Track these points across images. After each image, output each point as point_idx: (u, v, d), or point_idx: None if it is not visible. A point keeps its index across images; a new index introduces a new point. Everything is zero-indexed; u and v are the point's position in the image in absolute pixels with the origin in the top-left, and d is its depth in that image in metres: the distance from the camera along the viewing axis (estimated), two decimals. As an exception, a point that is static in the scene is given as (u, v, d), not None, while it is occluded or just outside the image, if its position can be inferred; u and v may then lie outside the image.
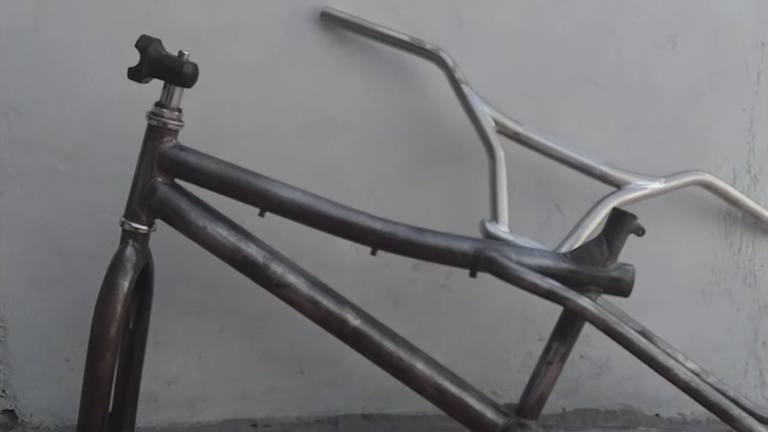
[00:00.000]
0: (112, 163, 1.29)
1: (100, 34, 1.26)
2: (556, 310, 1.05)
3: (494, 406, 1.08)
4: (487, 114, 1.22)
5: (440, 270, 1.38)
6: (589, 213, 1.22)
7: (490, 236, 1.13)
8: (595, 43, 1.39)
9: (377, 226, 1.03)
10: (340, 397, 1.48)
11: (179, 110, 1.03)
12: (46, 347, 1.37)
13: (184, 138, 1.05)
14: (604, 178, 1.25)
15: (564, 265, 1.02)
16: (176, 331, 1.39)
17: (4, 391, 1.39)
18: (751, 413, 1.09)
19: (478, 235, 1.13)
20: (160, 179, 1.03)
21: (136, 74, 0.99)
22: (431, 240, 1.03)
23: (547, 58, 1.38)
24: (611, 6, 1.38)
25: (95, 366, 1.00)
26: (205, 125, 1.22)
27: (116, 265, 1.01)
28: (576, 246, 1.11)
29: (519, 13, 1.36)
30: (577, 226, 1.21)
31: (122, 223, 1.04)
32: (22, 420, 1.41)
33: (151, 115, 1.02)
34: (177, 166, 1.02)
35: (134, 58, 0.98)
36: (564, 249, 1.14)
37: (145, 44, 0.99)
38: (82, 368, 1.02)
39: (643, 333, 1.13)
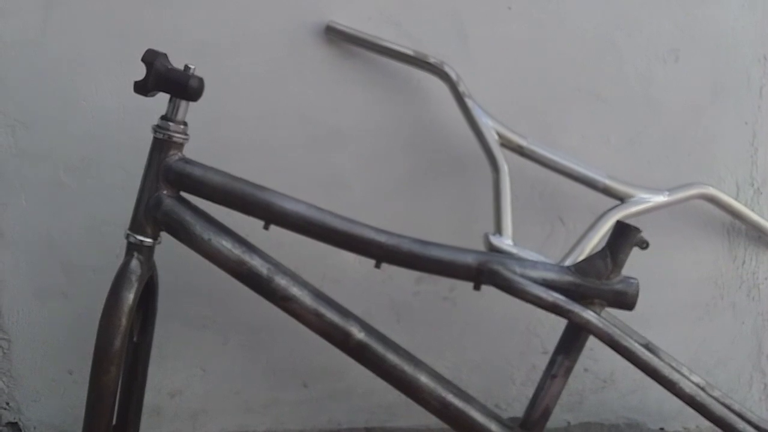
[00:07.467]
0: (116, 175, 1.29)
1: (106, 48, 1.27)
2: (560, 324, 1.05)
3: (498, 420, 1.07)
4: (490, 127, 1.23)
5: (444, 283, 1.39)
6: (592, 226, 1.22)
7: (493, 249, 1.13)
8: (597, 57, 1.40)
9: (381, 238, 1.03)
10: (344, 410, 1.48)
11: (185, 123, 1.03)
12: (49, 359, 1.37)
13: (190, 151, 1.05)
14: (607, 192, 1.26)
15: (568, 278, 1.02)
16: (180, 344, 1.39)
17: (8, 403, 1.39)
18: (756, 427, 1.09)
19: (481, 248, 1.13)
20: (165, 192, 1.03)
21: (142, 88, 1.00)
22: (435, 253, 1.03)
23: (550, 72, 1.39)
24: (614, 20, 1.39)
25: (99, 378, 1.00)
26: (210, 138, 1.23)
27: (121, 277, 1.01)
28: (580, 259, 1.11)
29: (521, 27, 1.36)
30: (581, 239, 1.21)
31: (127, 236, 1.04)
32: (26, 432, 1.41)
33: (157, 129, 1.02)
34: (182, 178, 1.03)
35: (140, 71, 0.99)
36: (568, 262, 1.14)
37: (151, 58, 0.99)
38: (86, 381, 1.02)
39: (648, 346, 1.13)
